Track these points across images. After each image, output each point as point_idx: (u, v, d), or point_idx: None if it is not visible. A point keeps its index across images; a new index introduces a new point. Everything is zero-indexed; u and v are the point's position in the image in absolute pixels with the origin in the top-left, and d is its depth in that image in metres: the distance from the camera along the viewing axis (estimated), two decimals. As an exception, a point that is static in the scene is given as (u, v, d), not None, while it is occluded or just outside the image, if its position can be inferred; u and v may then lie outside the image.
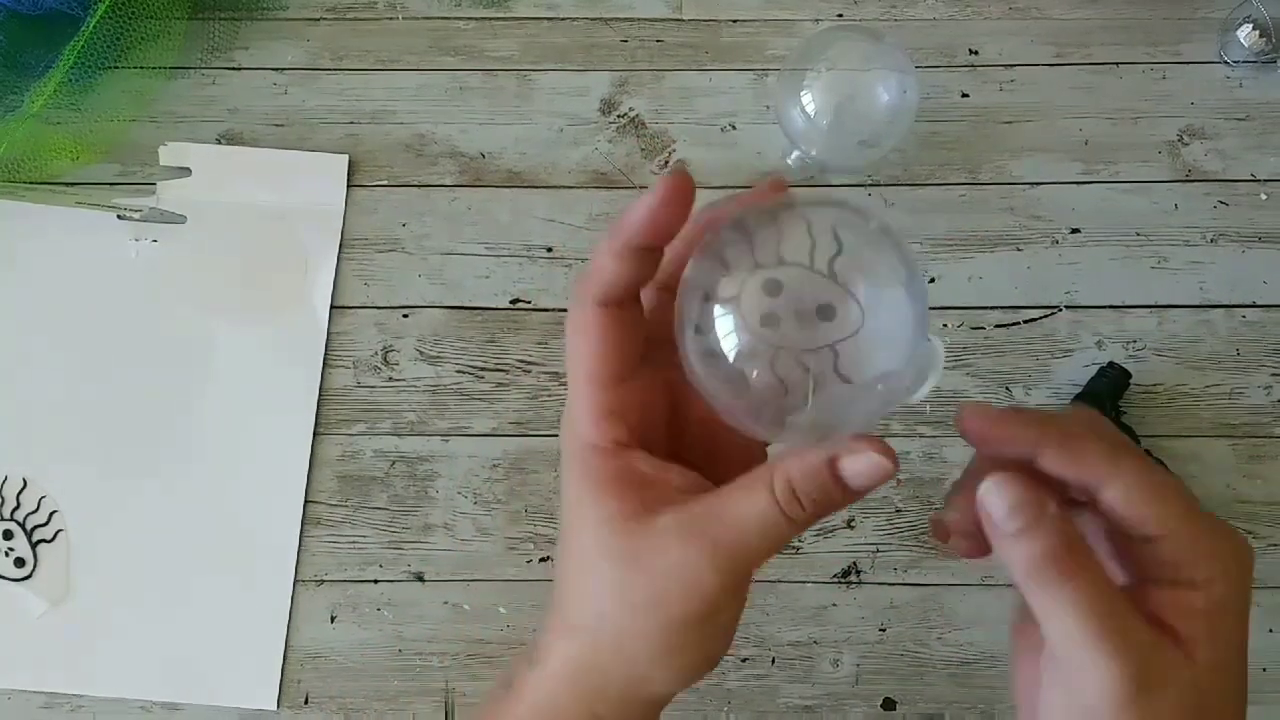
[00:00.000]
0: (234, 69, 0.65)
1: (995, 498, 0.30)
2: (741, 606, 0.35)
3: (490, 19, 0.66)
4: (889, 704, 0.55)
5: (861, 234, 0.30)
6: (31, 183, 0.62)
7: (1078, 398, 0.57)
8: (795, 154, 0.62)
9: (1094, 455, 0.31)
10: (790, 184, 0.33)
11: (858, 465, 0.30)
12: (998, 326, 0.60)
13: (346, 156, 0.63)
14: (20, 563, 0.56)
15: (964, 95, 0.64)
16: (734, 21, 0.66)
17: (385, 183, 0.63)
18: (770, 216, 0.30)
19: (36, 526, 0.57)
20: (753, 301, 0.29)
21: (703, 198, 0.58)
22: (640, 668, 0.32)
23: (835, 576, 0.56)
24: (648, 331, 0.33)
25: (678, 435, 0.34)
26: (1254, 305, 0.60)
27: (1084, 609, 0.29)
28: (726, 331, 0.29)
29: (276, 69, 0.65)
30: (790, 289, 0.29)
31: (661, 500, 0.32)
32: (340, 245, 0.61)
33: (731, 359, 0.29)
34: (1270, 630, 0.56)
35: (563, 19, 0.66)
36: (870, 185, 0.62)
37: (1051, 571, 0.30)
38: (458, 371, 0.60)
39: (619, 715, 0.33)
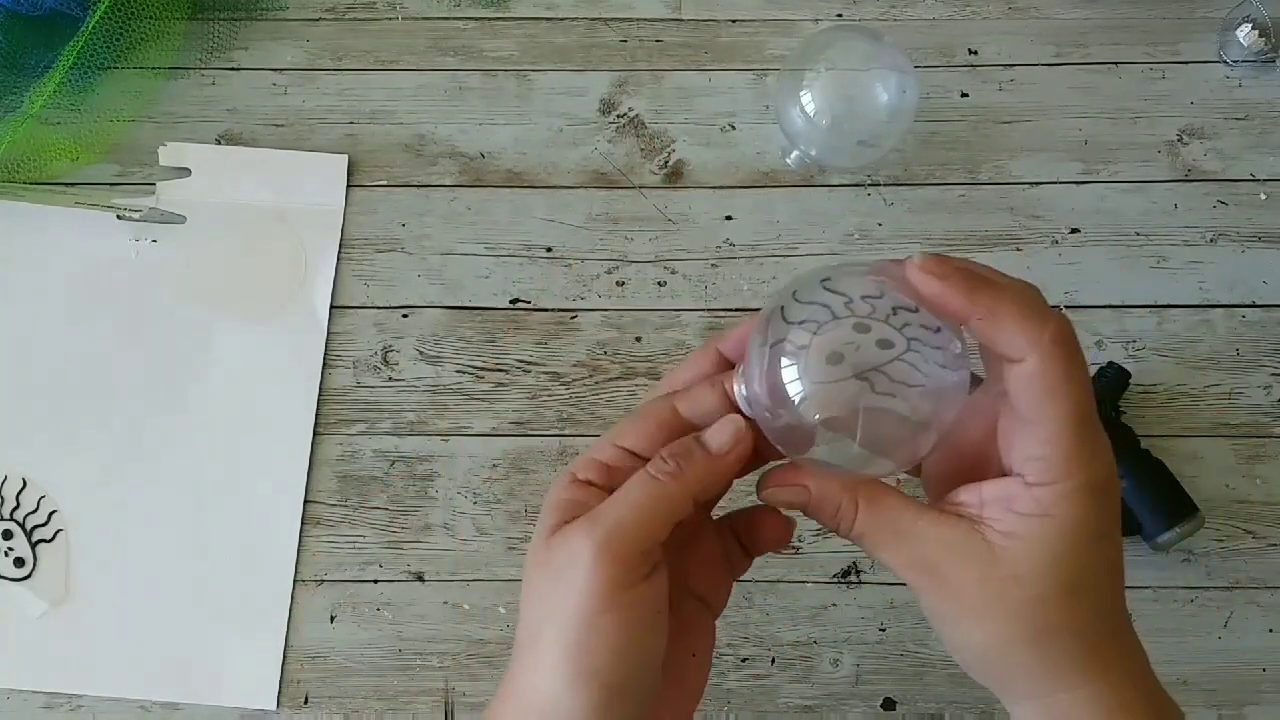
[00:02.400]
0: (233, 69, 0.65)
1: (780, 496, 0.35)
2: (651, 631, 0.34)
3: (490, 19, 0.66)
4: (889, 704, 0.55)
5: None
6: (31, 183, 0.62)
7: (1077, 397, 0.57)
8: (795, 154, 0.62)
9: (1014, 332, 0.32)
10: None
11: (719, 434, 0.34)
12: (997, 326, 0.60)
13: (346, 156, 0.63)
14: (20, 563, 0.56)
15: (963, 95, 0.64)
16: (733, 21, 0.66)
17: (385, 183, 0.63)
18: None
19: (36, 526, 0.57)
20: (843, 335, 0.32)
21: (703, 197, 0.59)
22: (542, 686, 0.33)
23: (835, 576, 0.56)
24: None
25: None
26: (1253, 305, 0.60)
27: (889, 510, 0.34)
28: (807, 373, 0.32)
29: (276, 69, 0.65)
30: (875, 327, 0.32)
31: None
32: (340, 245, 0.61)
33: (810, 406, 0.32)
34: (1270, 630, 0.56)
35: (562, 19, 0.66)
36: (870, 185, 0.62)
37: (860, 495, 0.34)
38: (457, 371, 0.60)
39: None
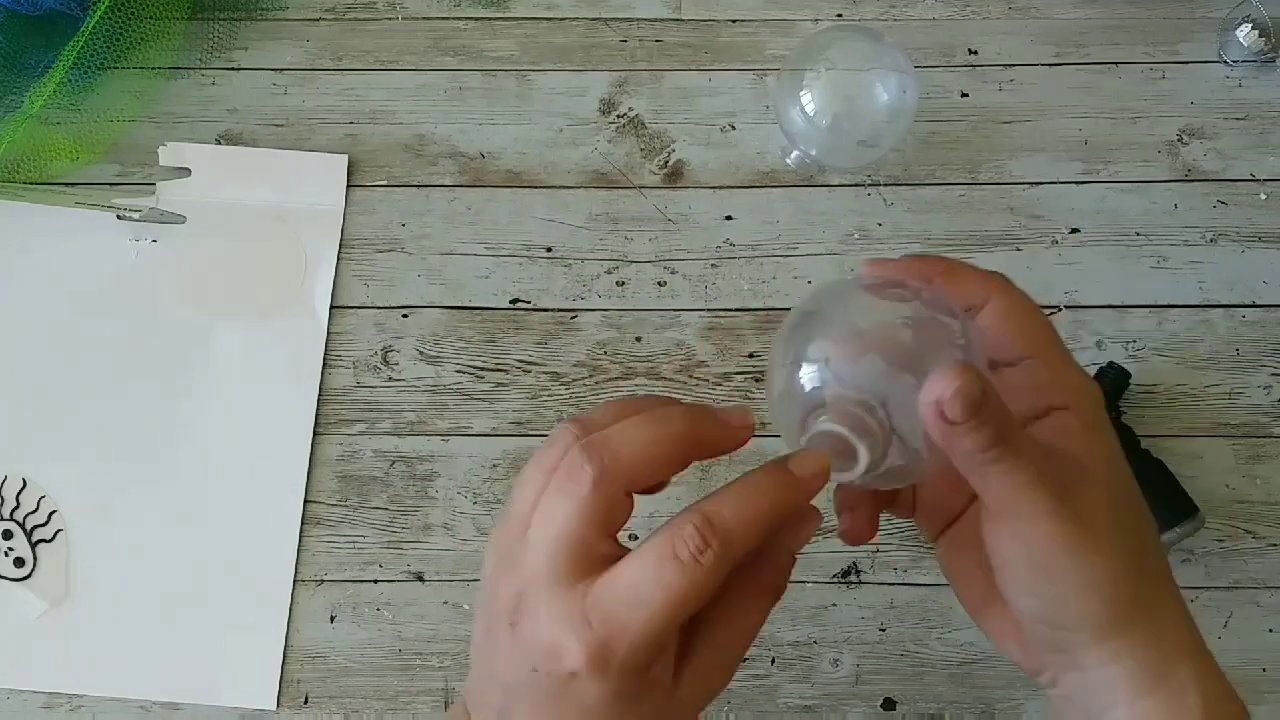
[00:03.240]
0: (233, 69, 0.65)
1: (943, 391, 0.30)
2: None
3: (490, 19, 0.66)
4: (889, 704, 0.55)
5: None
6: (31, 183, 0.62)
7: (1077, 397, 0.57)
8: (795, 154, 0.62)
9: (972, 281, 0.35)
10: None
11: (808, 465, 0.34)
12: (997, 326, 0.60)
13: (346, 156, 0.63)
14: (20, 563, 0.56)
15: (963, 95, 0.64)
16: (733, 21, 0.66)
17: (385, 183, 0.63)
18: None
19: (36, 526, 0.57)
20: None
21: (703, 197, 0.59)
22: None
23: (835, 576, 0.56)
24: None
25: None
26: (1253, 305, 0.60)
27: (1018, 477, 0.31)
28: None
29: (276, 69, 0.65)
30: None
31: (669, 662, 0.32)
32: (340, 245, 0.61)
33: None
34: (1270, 630, 0.56)
35: (562, 19, 0.66)
36: (870, 185, 0.62)
37: (993, 451, 0.30)
38: (457, 371, 0.60)
39: None
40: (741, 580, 0.33)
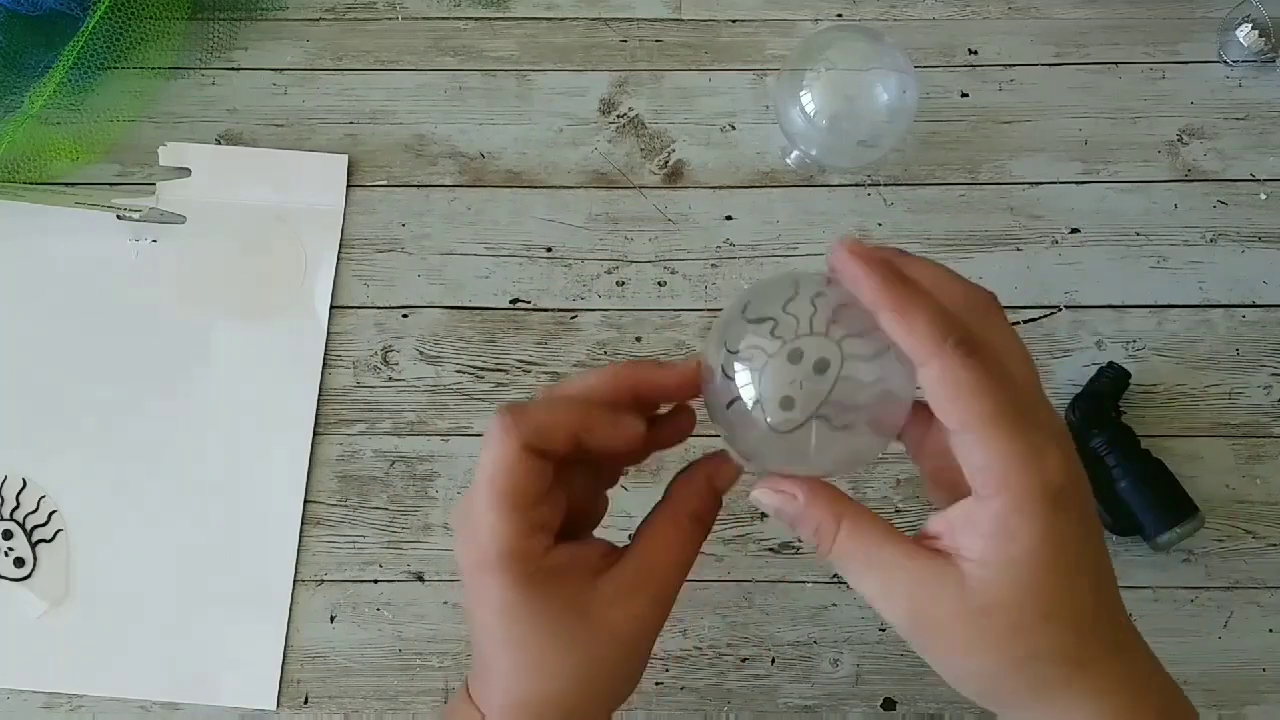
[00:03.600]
0: (233, 69, 0.65)
1: (767, 496, 0.36)
2: None
3: (490, 19, 0.66)
4: (889, 704, 0.55)
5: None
6: (31, 183, 0.62)
7: (1077, 398, 0.57)
8: (795, 154, 0.62)
9: (920, 333, 0.31)
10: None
11: (728, 473, 0.38)
12: (997, 326, 0.60)
13: (346, 156, 0.63)
14: (20, 563, 0.56)
15: (963, 95, 0.64)
16: (733, 21, 0.66)
17: (385, 183, 0.63)
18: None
19: (36, 526, 0.57)
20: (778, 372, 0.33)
21: (702, 197, 0.59)
22: (599, 715, 0.38)
23: (835, 576, 0.56)
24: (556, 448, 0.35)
25: (578, 517, 0.38)
26: (1253, 305, 0.60)
27: (856, 569, 0.34)
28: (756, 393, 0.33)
29: (276, 69, 0.65)
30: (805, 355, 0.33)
31: (585, 574, 0.36)
32: (340, 245, 0.61)
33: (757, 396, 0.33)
34: (1270, 630, 0.56)
35: (562, 19, 0.66)
36: (870, 185, 0.62)
37: (827, 533, 0.34)
38: (457, 371, 0.60)
39: None
40: (668, 509, 0.37)
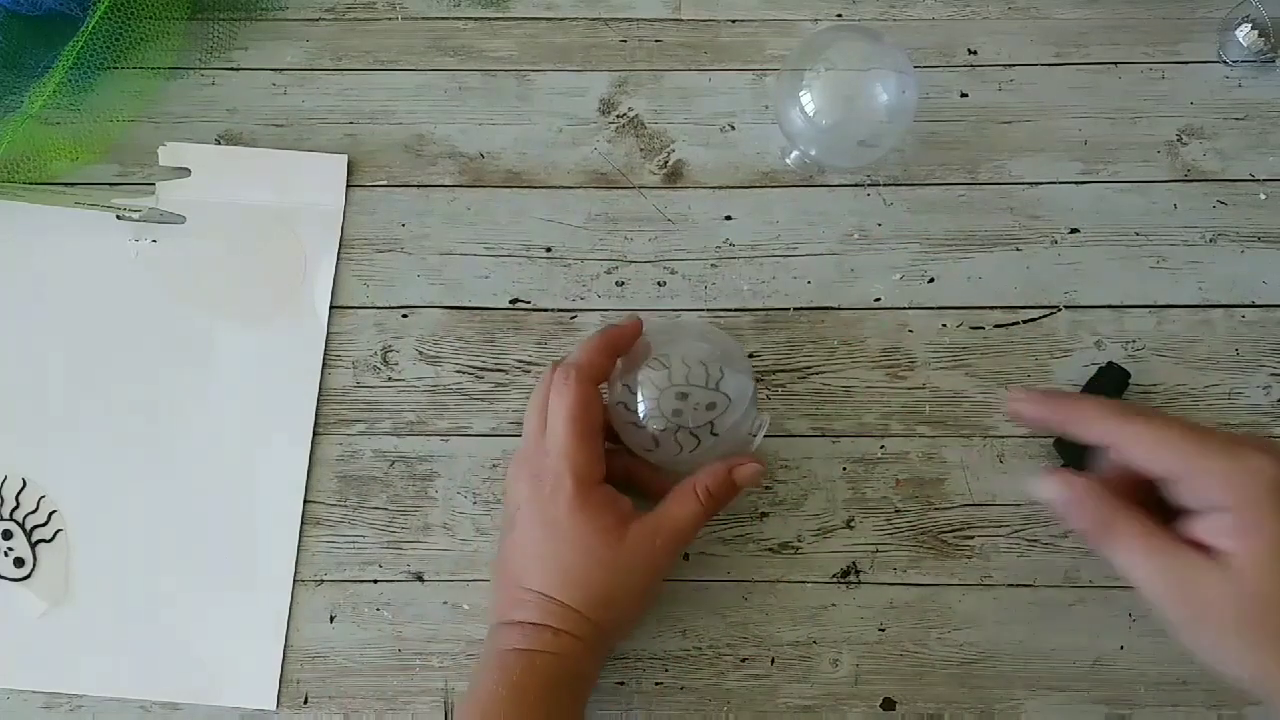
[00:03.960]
0: (233, 69, 0.65)
1: (1043, 491, 0.43)
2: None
3: (489, 19, 0.66)
4: (889, 704, 0.55)
5: (728, 359, 0.51)
6: (31, 183, 0.62)
7: (1077, 397, 0.58)
8: (794, 154, 0.62)
9: (1102, 423, 0.42)
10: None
11: (745, 472, 0.50)
12: (997, 327, 0.60)
13: (346, 156, 0.63)
14: (20, 563, 0.57)
15: (963, 95, 0.64)
16: (733, 21, 0.66)
17: (385, 183, 0.63)
18: (674, 354, 0.51)
19: (36, 526, 0.57)
20: (668, 403, 0.50)
21: (702, 197, 0.59)
22: (625, 625, 0.51)
23: (835, 576, 0.56)
24: None
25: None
26: (1253, 305, 0.60)
27: (1132, 559, 0.41)
28: (647, 412, 0.50)
29: (276, 69, 0.65)
30: (691, 399, 0.50)
31: (626, 517, 0.49)
32: (340, 245, 0.61)
33: (650, 428, 0.51)
34: (1269, 630, 0.55)
35: (562, 19, 0.66)
36: (870, 185, 0.62)
37: (1098, 538, 0.41)
38: (457, 371, 0.60)
39: (606, 650, 0.51)
40: (690, 480, 0.50)
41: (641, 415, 0.50)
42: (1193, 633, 0.40)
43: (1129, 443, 0.41)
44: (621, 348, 0.52)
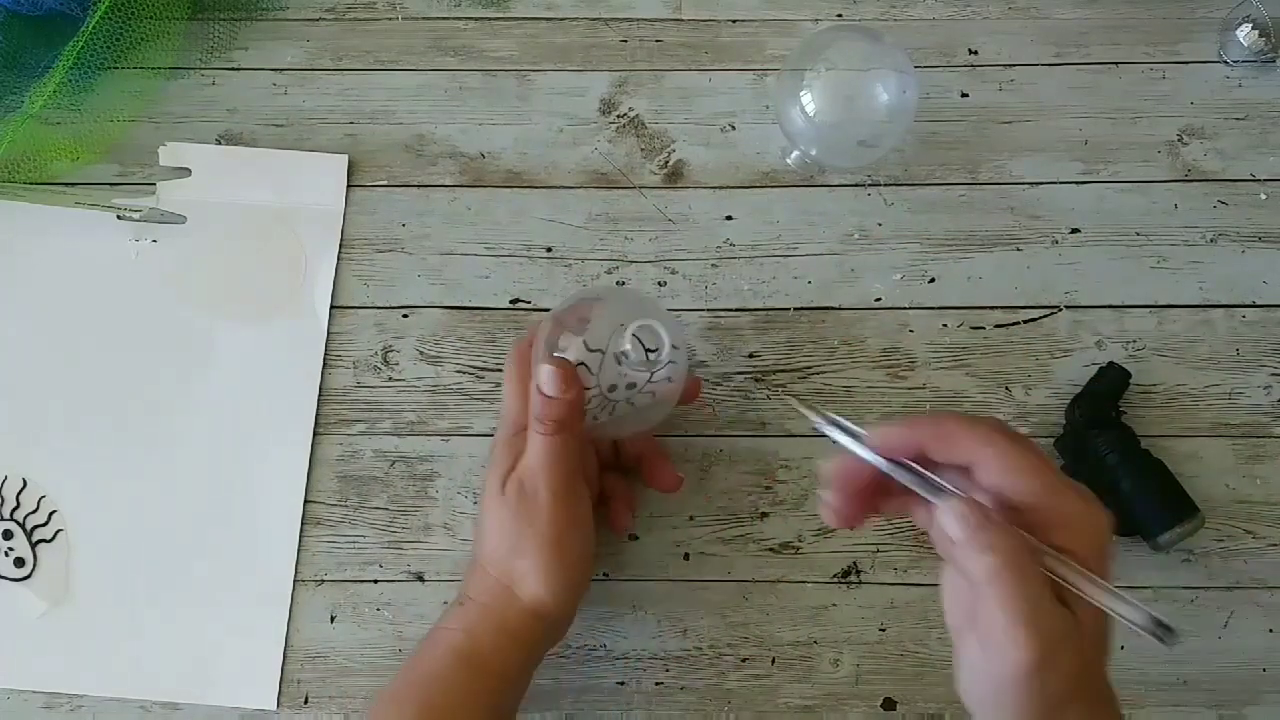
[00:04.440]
0: (233, 69, 0.65)
1: (949, 518, 0.37)
2: (584, 538, 0.50)
3: (490, 19, 0.66)
4: (889, 704, 0.55)
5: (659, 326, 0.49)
6: (31, 183, 0.62)
7: (1077, 398, 0.57)
8: (795, 154, 0.62)
9: (966, 441, 0.38)
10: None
11: (542, 376, 0.47)
12: (997, 326, 0.60)
13: (346, 156, 0.63)
14: (20, 563, 0.56)
15: (963, 95, 0.64)
16: (733, 21, 0.66)
17: (385, 183, 0.63)
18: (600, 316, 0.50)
19: (36, 526, 0.57)
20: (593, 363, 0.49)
21: (702, 197, 0.59)
22: (530, 581, 0.49)
23: (835, 576, 0.56)
24: None
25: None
26: (1253, 305, 0.60)
27: (1007, 599, 0.35)
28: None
29: (276, 69, 0.65)
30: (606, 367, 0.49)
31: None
32: (340, 245, 0.61)
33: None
34: (1270, 630, 0.56)
35: (562, 19, 0.66)
36: (870, 185, 0.62)
37: (994, 575, 0.36)
38: (457, 371, 0.60)
39: (519, 623, 0.49)
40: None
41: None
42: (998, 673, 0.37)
43: (993, 464, 0.37)
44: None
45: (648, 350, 0.49)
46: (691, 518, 0.57)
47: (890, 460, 0.39)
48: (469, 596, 0.50)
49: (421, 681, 0.48)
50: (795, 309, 0.60)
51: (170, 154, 0.63)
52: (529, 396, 0.48)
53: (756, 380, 0.59)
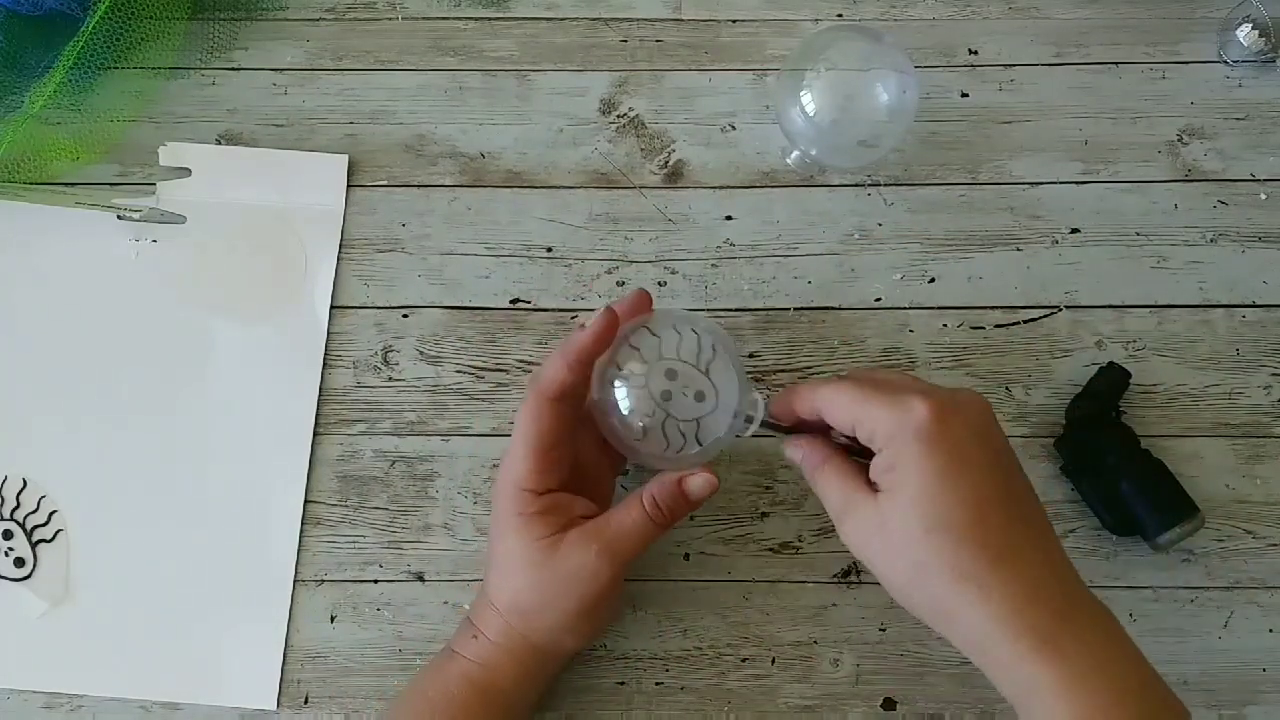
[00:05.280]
0: (234, 69, 0.65)
1: (788, 455, 0.49)
2: (621, 589, 0.50)
3: (490, 19, 0.66)
4: (889, 704, 0.55)
5: (721, 342, 0.49)
6: (31, 183, 0.62)
7: (1078, 398, 0.57)
8: (795, 154, 0.62)
9: (808, 398, 0.47)
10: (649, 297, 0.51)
11: (696, 482, 0.48)
12: (997, 326, 0.60)
13: (346, 156, 0.63)
14: (20, 563, 0.56)
15: (963, 95, 0.64)
16: (733, 21, 0.66)
17: (385, 183, 0.63)
18: (665, 325, 0.49)
19: (36, 526, 0.57)
20: (657, 382, 0.48)
21: (700, 197, 0.59)
22: (556, 636, 0.49)
23: (835, 576, 0.56)
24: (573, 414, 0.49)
25: (574, 471, 0.50)
26: (1254, 305, 0.60)
27: (828, 492, 0.47)
28: (633, 402, 0.48)
29: (276, 69, 0.65)
30: (680, 379, 0.48)
31: (569, 523, 0.48)
32: (340, 245, 0.61)
33: (636, 420, 0.48)
34: (1270, 630, 0.56)
35: (562, 19, 0.66)
36: (870, 185, 0.62)
37: (813, 473, 0.47)
38: (457, 371, 0.60)
39: (539, 665, 0.50)
40: (637, 491, 0.48)
41: (625, 399, 0.48)
42: (866, 564, 0.45)
43: (823, 408, 0.46)
44: (591, 351, 0.48)
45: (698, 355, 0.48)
46: (692, 518, 0.57)
47: (781, 426, 0.49)
48: (483, 633, 0.49)
49: (432, 706, 0.48)
50: (795, 309, 0.60)
51: (170, 154, 0.63)
52: (533, 448, 0.47)
53: (757, 380, 0.59)
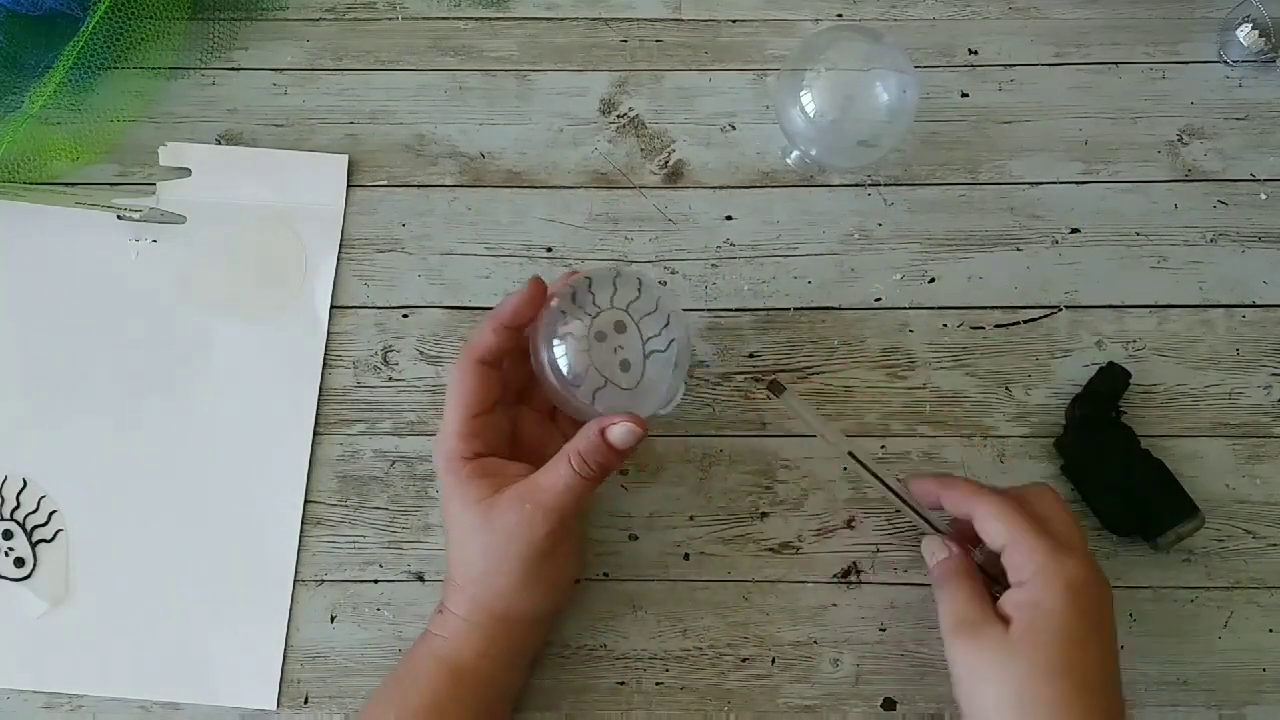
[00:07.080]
0: (234, 69, 0.65)
1: (925, 548, 0.53)
2: (574, 547, 0.52)
3: (490, 19, 0.66)
4: (889, 704, 0.55)
5: (655, 297, 0.50)
6: (31, 183, 0.62)
7: (1077, 398, 0.57)
8: (795, 154, 0.62)
9: (961, 494, 0.50)
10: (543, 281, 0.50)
11: (618, 430, 0.47)
12: (997, 326, 0.60)
13: (346, 156, 0.63)
14: (20, 563, 0.56)
15: (963, 95, 0.64)
16: (733, 21, 0.66)
17: (385, 183, 0.63)
18: (602, 278, 0.49)
19: (36, 526, 0.57)
20: (586, 324, 0.48)
21: (700, 197, 0.59)
22: (508, 598, 0.49)
23: (835, 576, 0.56)
24: (503, 382, 0.51)
25: (516, 444, 0.52)
26: (1253, 305, 0.60)
27: (957, 596, 0.49)
28: (564, 352, 0.48)
29: (276, 69, 0.65)
30: (615, 327, 0.49)
31: (504, 484, 0.48)
32: (340, 245, 0.61)
33: (566, 370, 0.48)
34: (1270, 630, 0.56)
35: (562, 19, 0.66)
36: (870, 185, 0.62)
37: (945, 577, 0.51)
38: (457, 371, 0.60)
39: (503, 632, 0.50)
40: (564, 448, 0.48)
41: (559, 346, 0.48)
42: (962, 682, 0.47)
43: (980, 518, 0.49)
44: (519, 314, 0.49)
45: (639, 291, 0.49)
46: (691, 518, 0.57)
47: (915, 506, 0.53)
48: (448, 608, 0.50)
49: (403, 686, 0.49)
50: (795, 309, 0.60)
51: (170, 154, 0.63)
52: (460, 413, 0.48)
53: (758, 380, 0.59)
